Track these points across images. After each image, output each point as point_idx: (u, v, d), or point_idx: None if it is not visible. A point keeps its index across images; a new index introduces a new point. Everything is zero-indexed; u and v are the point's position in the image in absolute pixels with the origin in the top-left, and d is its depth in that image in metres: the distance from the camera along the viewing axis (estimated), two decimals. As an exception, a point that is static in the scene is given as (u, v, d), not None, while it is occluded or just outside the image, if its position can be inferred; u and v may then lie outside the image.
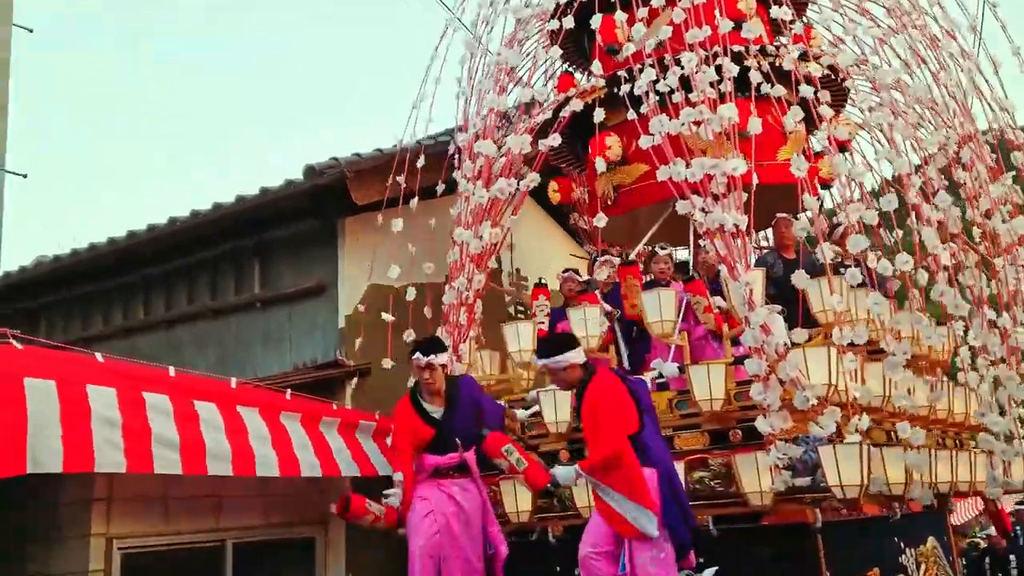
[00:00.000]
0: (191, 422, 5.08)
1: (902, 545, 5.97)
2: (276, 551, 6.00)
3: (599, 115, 6.30)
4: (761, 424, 4.88)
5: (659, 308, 5.58)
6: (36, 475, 4.42)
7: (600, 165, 6.45)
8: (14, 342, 4.79)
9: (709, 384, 5.21)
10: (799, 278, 5.26)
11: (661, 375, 5.67)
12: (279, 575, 6.15)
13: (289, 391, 5.78)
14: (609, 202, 7.27)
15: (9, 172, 6.14)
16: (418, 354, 5.15)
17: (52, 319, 9.78)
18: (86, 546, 5.14)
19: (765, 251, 7.03)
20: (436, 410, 5.21)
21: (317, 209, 7.17)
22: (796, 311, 5.48)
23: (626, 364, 6.22)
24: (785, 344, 5.02)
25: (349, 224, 7.33)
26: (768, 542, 5.15)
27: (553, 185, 7.74)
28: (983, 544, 10.80)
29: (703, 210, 5.36)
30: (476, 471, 5.20)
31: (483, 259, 6.26)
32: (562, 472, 4.62)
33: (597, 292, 6.40)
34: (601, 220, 6.24)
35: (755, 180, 5.41)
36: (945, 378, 6.35)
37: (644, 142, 5.77)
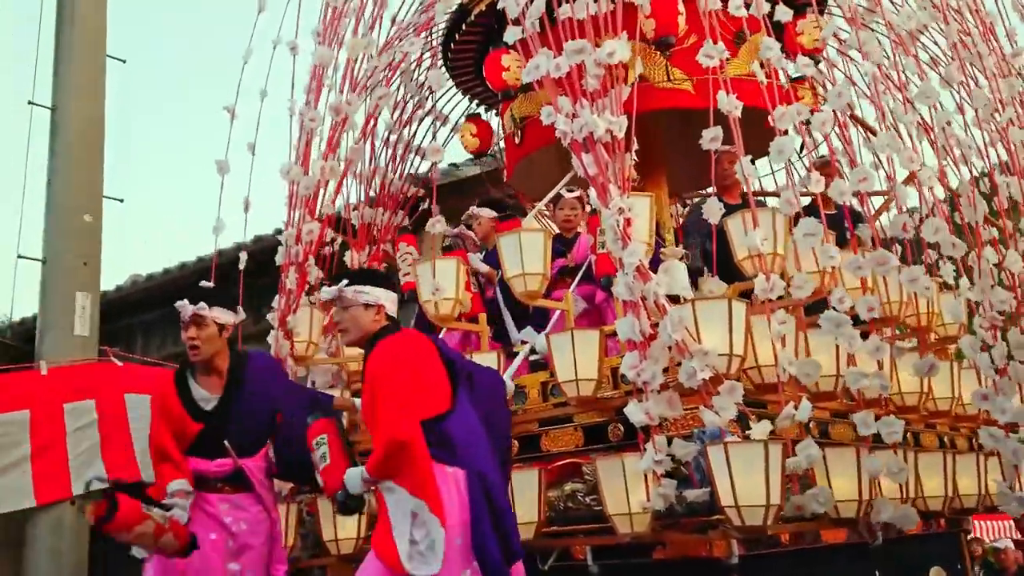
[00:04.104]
0: None
1: (885, 580, 4.32)
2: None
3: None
4: (633, 412, 3.30)
5: (520, 257, 4.01)
6: None
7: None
8: (115, 359, 5.14)
9: (574, 359, 3.65)
10: (710, 208, 3.69)
11: (535, 350, 4.15)
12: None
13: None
14: (516, 140, 5.77)
15: (107, 197, 6.29)
16: (184, 302, 3.73)
17: (148, 336, 9.98)
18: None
19: (703, 197, 5.42)
20: (209, 398, 3.76)
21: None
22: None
23: (514, 338, 4.69)
24: (678, 297, 3.45)
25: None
26: (665, 585, 3.59)
27: (469, 128, 6.22)
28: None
29: (572, 115, 3.81)
30: (265, 485, 3.75)
31: (315, 203, 4.76)
32: (349, 475, 3.13)
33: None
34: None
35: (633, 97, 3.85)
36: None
37: (509, 36, 4.22)
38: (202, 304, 3.74)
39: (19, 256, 5.85)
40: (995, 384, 3.84)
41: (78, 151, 6.14)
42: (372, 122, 5.23)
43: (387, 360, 3.13)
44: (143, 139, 43.55)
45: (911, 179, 4.42)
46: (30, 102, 6.23)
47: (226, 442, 3.65)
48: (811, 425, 3.96)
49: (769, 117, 3.83)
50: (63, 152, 6.13)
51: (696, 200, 5.43)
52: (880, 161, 4.65)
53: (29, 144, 6.23)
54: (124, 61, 6.63)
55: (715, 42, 3.92)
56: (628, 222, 3.53)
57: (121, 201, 6.43)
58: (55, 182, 6.11)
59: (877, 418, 3.62)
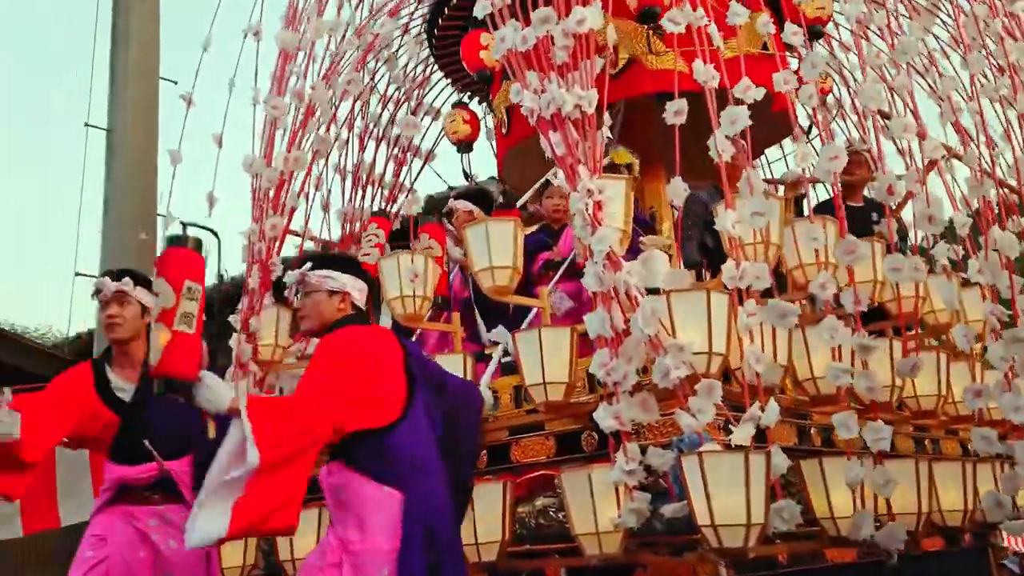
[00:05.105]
0: None
1: (903, 602, 3.89)
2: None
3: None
4: (602, 416, 2.93)
5: (487, 249, 3.65)
6: None
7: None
8: None
9: (542, 360, 3.29)
10: (674, 188, 3.33)
11: (507, 352, 3.79)
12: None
13: None
14: (504, 130, 5.44)
15: (161, 215, 6.29)
16: (105, 278, 3.40)
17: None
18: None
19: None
20: (127, 388, 3.42)
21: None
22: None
23: (484, 339, 4.35)
24: (653, 290, 3.08)
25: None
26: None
27: (462, 115, 5.85)
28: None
29: (539, 91, 3.45)
30: None
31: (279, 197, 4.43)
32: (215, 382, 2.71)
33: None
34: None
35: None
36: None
37: (479, 9, 3.88)
38: (126, 279, 3.40)
39: (76, 273, 6.18)
40: (1007, 379, 3.41)
41: (133, 170, 6.38)
42: (344, 109, 4.93)
43: (338, 342, 2.83)
44: (186, 150, 43.91)
45: (933, 165, 4.05)
46: (86, 124, 6.51)
47: (147, 442, 3.25)
48: (812, 431, 3.59)
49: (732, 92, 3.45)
50: (119, 171, 6.37)
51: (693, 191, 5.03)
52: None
53: (85, 164, 6.64)
54: (176, 82, 6.81)
55: (694, 9, 3.56)
56: (598, 206, 3.16)
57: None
58: (111, 201, 6.34)
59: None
